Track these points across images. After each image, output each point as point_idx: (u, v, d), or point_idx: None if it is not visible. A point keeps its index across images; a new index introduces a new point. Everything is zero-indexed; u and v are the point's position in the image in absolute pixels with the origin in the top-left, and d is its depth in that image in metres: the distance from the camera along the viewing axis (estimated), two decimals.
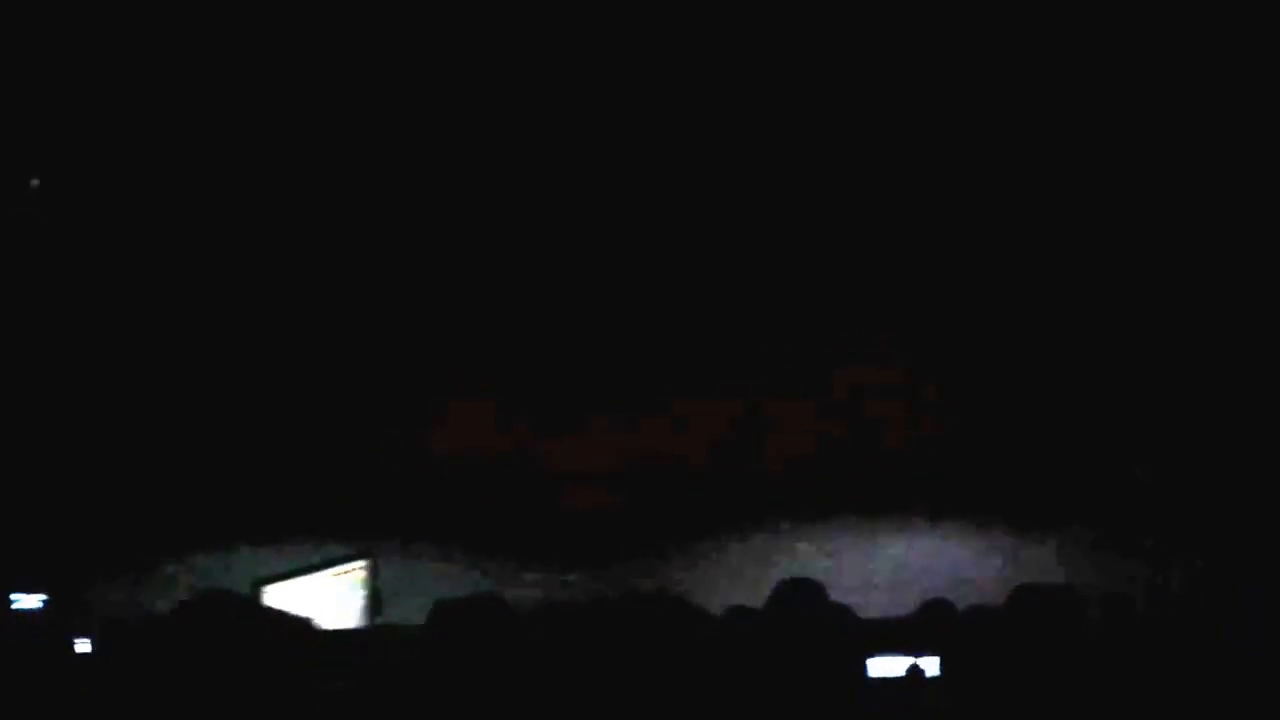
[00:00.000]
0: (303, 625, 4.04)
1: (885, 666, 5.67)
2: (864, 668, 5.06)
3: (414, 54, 10.56)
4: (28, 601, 9.79)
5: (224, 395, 11.28)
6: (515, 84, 10.60)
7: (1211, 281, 10.57)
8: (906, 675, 5.63)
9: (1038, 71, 10.35)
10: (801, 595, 4.66)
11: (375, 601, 10.19)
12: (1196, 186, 10.43)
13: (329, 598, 10.21)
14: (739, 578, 10.57)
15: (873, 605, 7.95)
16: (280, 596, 9.99)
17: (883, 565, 10.74)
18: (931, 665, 5.53)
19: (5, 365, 10.92)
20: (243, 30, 10.38)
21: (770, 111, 10.68)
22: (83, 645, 5.42)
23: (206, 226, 11.13)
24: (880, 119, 10.66)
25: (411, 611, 10.05)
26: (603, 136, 10.82)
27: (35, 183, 10.40)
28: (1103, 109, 10.41)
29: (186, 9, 10.26)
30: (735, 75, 10.55)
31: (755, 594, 5.41)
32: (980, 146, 10.66)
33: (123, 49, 10.40)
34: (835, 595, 5.05)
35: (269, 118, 10.83)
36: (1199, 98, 10.29)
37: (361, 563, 10.36)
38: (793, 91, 10.59)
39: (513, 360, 11.19)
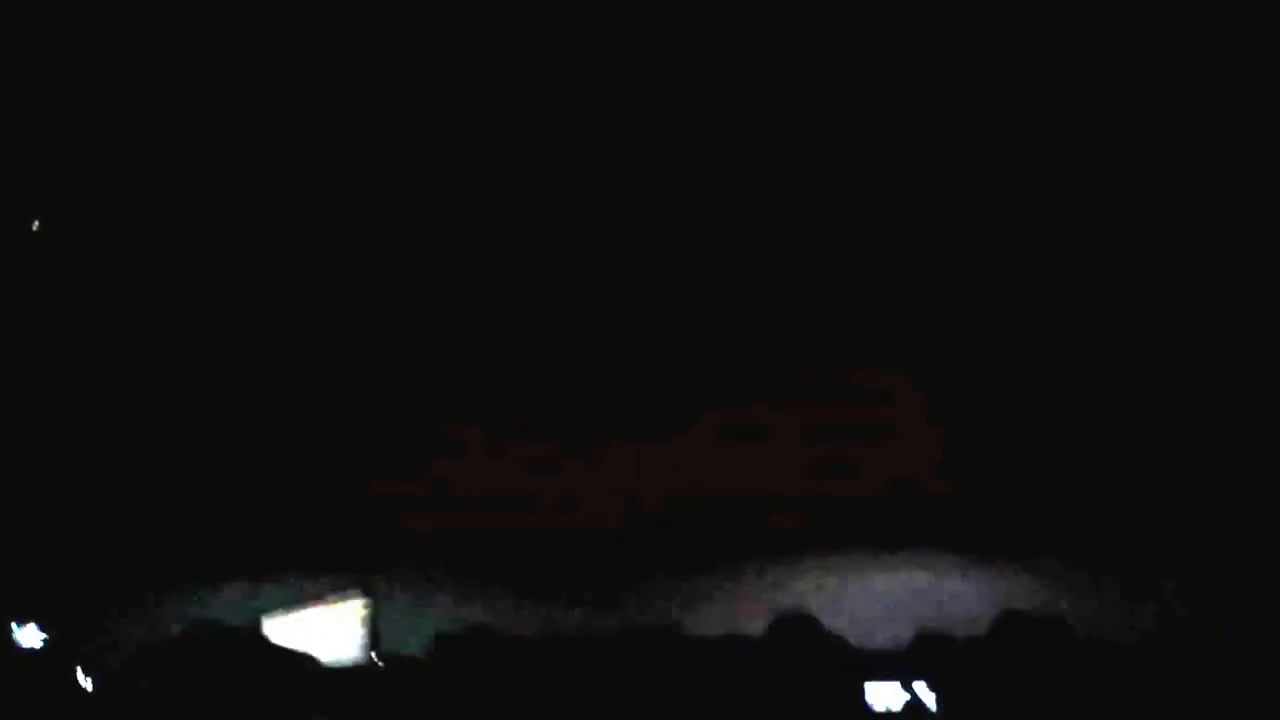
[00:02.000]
0: (302, 659, 4.06)
1: (881, 693, 5.69)
2: (862, 696, 5.09)
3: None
4: (26, 634, 9.79)
5: (222, 427, 11.29)
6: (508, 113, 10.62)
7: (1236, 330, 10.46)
8: (905, 708, 5.65)
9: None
10: (798, 627, 4.69)
11: (373, 634, 10.18)
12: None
13: (328, 630, 10.20)
14: (735, 611, 10.56)
15: (867, 638, 7.96)
16: (280, 628, 9.98)
17: (877, 599, 10.73)
18: (924, 691, 5.55)
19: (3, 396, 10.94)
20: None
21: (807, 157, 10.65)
22: (82, 678, 5.43)
23: (193, 258, 11.15)
24: (928, 181, 10.63)
25: (411, 644, 10.06)
26: (604, 150, 10.83)
27: (36, 224, 10.42)
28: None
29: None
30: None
31: (751, 627, 5.42)
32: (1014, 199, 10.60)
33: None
34: (830, 627, 5.07)
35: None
36: (1197, 121, 10.22)
37: (360, 594, 10.35)
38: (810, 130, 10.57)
39: (511, 389, 11.21)
